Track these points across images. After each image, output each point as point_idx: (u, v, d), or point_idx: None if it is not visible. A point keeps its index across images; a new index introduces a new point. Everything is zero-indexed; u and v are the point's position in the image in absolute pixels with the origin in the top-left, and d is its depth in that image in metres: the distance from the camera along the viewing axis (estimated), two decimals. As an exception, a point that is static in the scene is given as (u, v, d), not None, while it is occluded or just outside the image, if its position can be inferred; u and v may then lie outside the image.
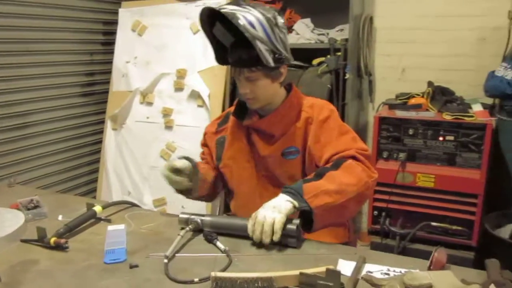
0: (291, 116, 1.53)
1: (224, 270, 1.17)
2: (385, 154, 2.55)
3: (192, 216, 1.40)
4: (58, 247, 1.29)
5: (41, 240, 1.31)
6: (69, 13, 2.96)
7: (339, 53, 2.77)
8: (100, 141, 3.27)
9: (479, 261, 2.29)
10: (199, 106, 2.91)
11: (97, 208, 1.49)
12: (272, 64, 1.41)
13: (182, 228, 1.36)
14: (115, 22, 3.20)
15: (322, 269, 1.06)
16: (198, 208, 2.69)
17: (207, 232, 1.35)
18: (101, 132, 3.26)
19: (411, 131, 2.48)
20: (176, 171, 1.51)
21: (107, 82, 3.25)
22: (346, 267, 1.18)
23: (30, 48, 2.73)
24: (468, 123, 2.37)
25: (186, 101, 2.96)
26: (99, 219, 1.50)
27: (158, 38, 3.05)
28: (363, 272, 1.16)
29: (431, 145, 2.47)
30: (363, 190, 1.35)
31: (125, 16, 3.16)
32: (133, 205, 1.67)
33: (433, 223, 2.44)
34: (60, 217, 1.53)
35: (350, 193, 1.32)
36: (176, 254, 1.26)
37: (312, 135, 1.50)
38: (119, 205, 1.65)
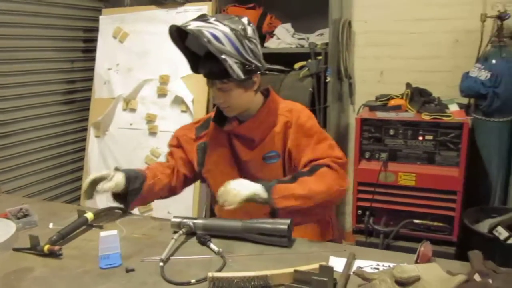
0: (270, 121, 1.58)
1: (219, 270, 1.19)
2: (367, 155, 2.62)
3: (185, 220, 1.42)
4: (52, 255, 1.29)
5: (34, 248, 1.31)
6: (49, 21, 2.95)
7: (319, 57, 2.82)
8: (83, 149, 3.25)
9: (460, 256, 2.37)
10: (182, 111, 2.92)
11: (89, 215, 1.50)
12: (242, 76, 1.44)
13: (175, 232, 1.38)
14: (95, 29, 3.20)
15: (316, 266, 1.10)
16: (184, 213, 2.70)
17: (200, 235, 1.38)
18: (83, 139, 3.24)
19: (391, 132, 2.55)
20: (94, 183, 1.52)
21: (89, 89, 3.24)
22: (337, 263, 1.22)
23: (9, 57, 2.70)
24: (446, 123, 2.46)
25: (169, 107, 2.97)
26: (91, 226, 1.51)
27: (139, 44, 3.05)
28: (354, 268, 1.20)
29: (411, 145, 2.54)
30: (330, 198, 1.44)
31: (106, 23, 3.16)
32: (124, 211, 1.67)
33: (416, 221, 2.51)
34: (51, 225, 1.52)
35: (317, 200, 1.41)
36: (171, 257, 1.28)
37: (291, 139, 1.54)
38: (109, 211, 1.66)
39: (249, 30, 1.47)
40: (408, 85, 2.85)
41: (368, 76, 3.25)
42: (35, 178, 2.94)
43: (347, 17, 3.09)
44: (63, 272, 1.22)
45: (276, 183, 1.42)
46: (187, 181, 1.76)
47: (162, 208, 2.87)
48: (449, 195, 2.47)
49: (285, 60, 3.00)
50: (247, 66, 1.46)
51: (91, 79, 3.21)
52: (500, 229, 2.24)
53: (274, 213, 1.41)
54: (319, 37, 3.00)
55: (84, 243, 1.40)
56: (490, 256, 1.17)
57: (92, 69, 3.19)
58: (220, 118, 1.65)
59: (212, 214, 2.73)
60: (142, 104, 3.03)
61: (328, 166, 1.46)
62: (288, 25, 3.08)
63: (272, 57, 2.86)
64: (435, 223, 2.50)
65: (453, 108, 2.64)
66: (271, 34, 3.06)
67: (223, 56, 1.39)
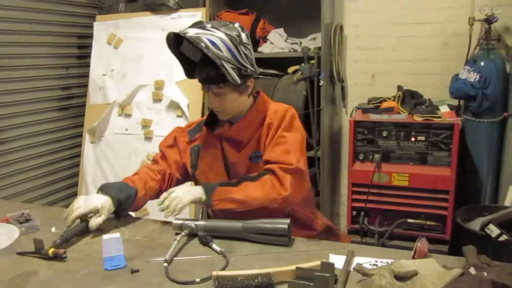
0: (257, 122, 1.63)
1: (223, 269, 1.22)
2: (361, 156, 2.66)
3: (186, 222, 1.45)
4: (57, 258, 1.31)
5: (39, 252, 1.32)
6: (44, 27, 2.97)
7: (312, 61, 2.88)
8: (78, 155, 3.25)
9: (452, 253, 2.40)
10: (178, 116, 2.95)
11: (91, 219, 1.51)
12: (238, 81, 1.49)
13: (177, 233, 1.41)
14: (90, 36, 3.22)
15: (317, 263, 1.14)
16: (181, 216, 2.72)
17: (202, 236, 1.41)
18: (79, 145, 3.25)
19: (384, 133, 2.61)
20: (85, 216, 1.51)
21: (84, 95, 3.25)
22: (337, 261, 1.25)
23: (3, 64, 2.71)
24: (437, 124, 2.52)
25: (165, 112, 2.99)
26: (92, 229, 1.52)
27: (134, 50, 3.08)
28: (353, 264, 1.24)
29: (404, 146, 2.60)
30: (266, 205, 1.48)
31: (100, 30, 3.18)
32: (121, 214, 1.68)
33: (409, 220, 2.56)
34: (53, 229, 1.54)
35: (252, 205, 1.48)
36: (174, 258, 1.31)
37: (268, 140, 1.60)
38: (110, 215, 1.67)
39: (243, 36, 1.52)
40: (400, 87, 2.91)
41: (359, 79, 3.31)
42: (30, 184, 2.94)
43: (338, 21, 3.15)
44: (68, 275, 1.24)
45: (218, 185, 1.53)
46: (177, 183, 1.78)
47: (158, 212, 2.88)
48: (442, 194, 2.53)
49: (278, 64, 3.05)
50: (242, 71, 1.51)
51: (86, 85, 3.23)
52: (491, 226, 2.30)
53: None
54: (312, 42, 3.05)
55: (87, 246, 1.42)
56: (483, 253, 1.21)
57: (86, 75, 3.20)
58: (211, 121, 1.70)
59: (208, 217, 2.76)
60: (137, 109, 3.05)
61: (274, 172, 1.51)
62: (281, 30, 3.13)
63: (265, 61, 2.91)
64: (428, 222, 2.55)
65: (444, 109, 2.70)
66: (265, 39, 3.11)
67: (221, 62, 1.43)
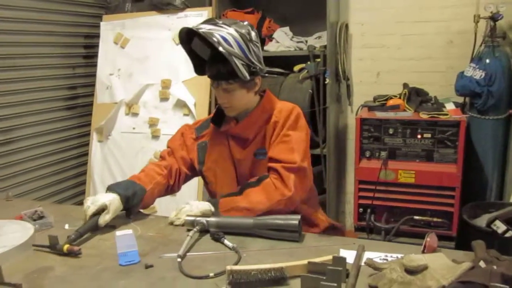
0: (263, 120, 1.65)
1: (236, 264, 1.24)
2: (367, 154, 2.68)
3: (198, 218, 1.47)
4: (71, 254, 1.33)
5: (53, 247, 1.35)
6: (50, 27, 2.99)
7: (318, 59, 2.89)
8: (85, 154, 3.28)
9: (459, 250, 2.43)
10: (185, 115, 2.97)
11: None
12: (248, 77, 1.53)
13: (189, 230, 1.43)
14: (96, 36, 3.24)
15: (329, 257, 1.16)
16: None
17: (213, 232, 1.43)
18: (86, 144, 3.27)
19: (391, 131, 2.62)
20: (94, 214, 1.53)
21: (91, 95, 3.27)
22: (347, 255, 1.27)
23: (11, 64, 2.74)
24: (443, 121, 2.53)
25: (171, 111, 3.02)
26: (105, 226, 1.54)
27: (141, 50, 3.10)
28: (364, 259, 1.25)
29: (410, 143, 2.61)
30: (273, 207, 1.51)
31: (107, 29, 3.20)
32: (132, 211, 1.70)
33: (416, 217, 2.58)
34: (66, 226, 1.56)
35: (258, 210, 1.50)
36: (187, 254, 1.33)
37: (273, 137, 1.63)
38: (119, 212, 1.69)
39: (253, 34, 1.56)
40: (405, 85, 2.92)
41: (365, 78, 3.32)
42: (38, 183, 2.97)
43: (344, 20, 3.16)
44: (83, 270, 1.26)
45: (220, 198, 1.58)
46: (186, 179, 1.82)
47: (165, 211, 2.91)
48: (448, 191, 2.54)
49: (284, 63, 3.07)
50: (251, 67, 1.55)
51: (92, 85, 3.25)
52: (498, 223, 2.31)
53: None
54: (317, 40, 3.06)
55: (100, 243, 1.44)
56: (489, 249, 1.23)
57: (93, 75, 3.23)
58: (218, 119, 1.73)
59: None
60: (144, 108, 3.08)
61: (277, 171, 1.54)
62: (286, 29, 3.15)
63: (271, 60, 2.93)
64: (435, 219, 2.57)
65: (450, 106, 2.71)
66: (270, 38, 3.12)
67: (231, 58, 1.46)
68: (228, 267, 1.14)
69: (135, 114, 3.10)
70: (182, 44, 1.60)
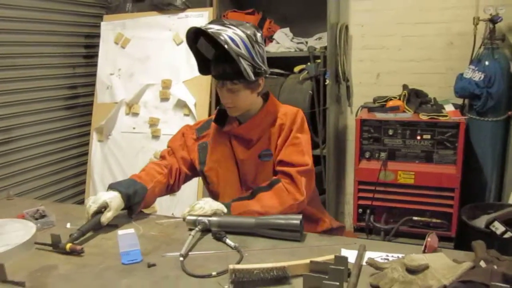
0: (267, 123, 1.67)
1: (238, 263, 1.25)
2: (367, 154, 2.69)
3: (200, 218, 1.48)
4: (73, 253, 1.34)
5: (56, 246, 1.35)
6: (51, 27, 2.99)
7: (318, 60, 2.90)
8: (85, 153, 3.28)
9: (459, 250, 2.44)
10: (185, 115, 2.98)
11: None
12: (253, 78, 1.55)
13: (190, 229, 1.44)
14: (97, 35, 3.25)
15: (331, 257, 1.17)
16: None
17: (215, 231, 1.43)
18: (86, 144, 3.28)
19: (390, 132, 2.64)
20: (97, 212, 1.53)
21: (91, 94, 3.28)
22: (349, 255, 1.27)
23: (12, 63, 2.74)
24: (442, 122, 2.54)
25: (172, 111, 3.02)
26: (107, 225, 1.55)
27: (141, 50, 3.11)
28: (365, 259, 1.26)
29: (410, 144, 2.63)
30: (285, 212, 1.52)
31: (108, 29, 3.21)
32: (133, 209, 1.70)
33: (415, 218, 2.59)
34: (68, 225, 1.57)
35: (271, 214, 1.50)
36: (189, 253, 1.34)
37: (280, 140, 1.64)
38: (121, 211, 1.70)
39: (258, 35, 1.58)
40: (405, 86, 2.94)
41: (364, 79, 3.33)
42: (38, 183, 2.97)
43: (344, 21, 3.17)
44: (86, 269, 1.27)
45: (232, 202, 1.57)
46: (186, 179, 1.83)
47: (166, 210, 2.91)
48: (447, 192, 2.56)
49: (284, 63, 3.08)
50: (257, 68, 1.56)
51: (92, 85, 3.26)
52: (497, 224, 2.32)
53: None
54: (317, 41, 3.07)
55: (103, 242, 1.45)
56: (488, 251, 1.24)
57: (94, 75, 3.23)
58: (220, 119, 1.74)
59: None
60: (145, 108, 3.08)
61: (291, 176, 1.56)
62: (286, 30, 3.16)
63: (271, 61, 2.91)
64: (434, 220, 2.58)
65: (449, 108, 2.73)
66: (271, 39, 3.13)
67: (238, 58, 1.48)
68: (231, 266, 1.15)
69: (136, 114, 3.10)
70: (188, 43, 1.61)
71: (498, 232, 2.32)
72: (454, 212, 2.55)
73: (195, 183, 2.87)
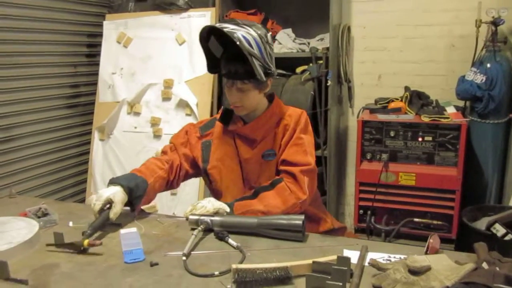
0: (272, 123, 1.69)
1: (240, 263, 1.25)
2: (368, 156, 2.70)
3: (202, 217, 1.48)
4: (85, 251, 1.34)
5: (71, 245, 1.35)
6: (53, 26, 3.00)
7: (320, 61, 2.90)
8: (86, 152, 3.29)
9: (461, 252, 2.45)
10: (187, 114, 2.98)
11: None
12: (264, 78, 1.56)
13: (193, 229, 1.44)
14: (99, 35, 3.25)
15: (333, 257, 1.17)
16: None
17: (218, 231, 1.44)
18: (87, 143, 3.28)
19: (392, 133, 2.64)
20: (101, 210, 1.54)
21: (92, 93, 3.28)
22: (351, 255, 1.28)
23: (14, 62, 2.74)
24: (444, 124, 2.55)
25: (174, 110, 3.03)
26: (110, 224, 1.55)
27: (143, 49, 3.11)
28: (367, 259, 1.27)
29: (411, 146, 2.63)
30: (288, 211, 1.54)
31: (110, 29, 3.21)
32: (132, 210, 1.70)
33: (416, 219, 2.59)
34: (70, 223, 1.57)
35: (273, 213, 1.52)
36: (192, 252, 1.34)
37: (284, 140, 1.66)
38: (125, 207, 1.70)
39: (269, 36, 1.60)
40: (407, 88, 2.94)
41: (366, 80, 3.34)
42: (39, 181, 2.97)
43: (346, 22, 3.18)
44: (89, 267, 1.27)
45: (234, 201, 1.58)
46: (187, 177, 1.83)
47: (167, 210, 2.92)
48: (448, 194, 2.56)
49: (286, 64, 3.08)
50: (267, 69, 1.58)
51: (94, 84, 3.26)
52: (497, 226, 2.32)
53: None
54: (320, 42, 3.08)
55: (106, 240, 1.45)
56: (489, 253, 1.24)
57: (96, 74, 3.24)
58: (225, 118, 1.75)
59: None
60: (147, 107, 3.09)
61: (294, 176, 1.58)
62: (289, 31, 3.16)
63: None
64: (435, 221, 2.58)
65: (450, 110, 2.73)
66: (273, 39, 3.13)
67: (251, 58, 1.49)
68: (234, 266, 1.15)
69: (137, 113, 3.11)
70: (201, 42, 1.62)
71: (499, 234, 2.32)
72: (455, 214, 2.56)
73: (197, 183, 2.88)
